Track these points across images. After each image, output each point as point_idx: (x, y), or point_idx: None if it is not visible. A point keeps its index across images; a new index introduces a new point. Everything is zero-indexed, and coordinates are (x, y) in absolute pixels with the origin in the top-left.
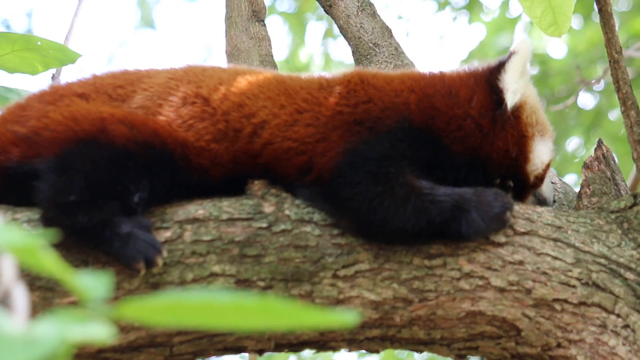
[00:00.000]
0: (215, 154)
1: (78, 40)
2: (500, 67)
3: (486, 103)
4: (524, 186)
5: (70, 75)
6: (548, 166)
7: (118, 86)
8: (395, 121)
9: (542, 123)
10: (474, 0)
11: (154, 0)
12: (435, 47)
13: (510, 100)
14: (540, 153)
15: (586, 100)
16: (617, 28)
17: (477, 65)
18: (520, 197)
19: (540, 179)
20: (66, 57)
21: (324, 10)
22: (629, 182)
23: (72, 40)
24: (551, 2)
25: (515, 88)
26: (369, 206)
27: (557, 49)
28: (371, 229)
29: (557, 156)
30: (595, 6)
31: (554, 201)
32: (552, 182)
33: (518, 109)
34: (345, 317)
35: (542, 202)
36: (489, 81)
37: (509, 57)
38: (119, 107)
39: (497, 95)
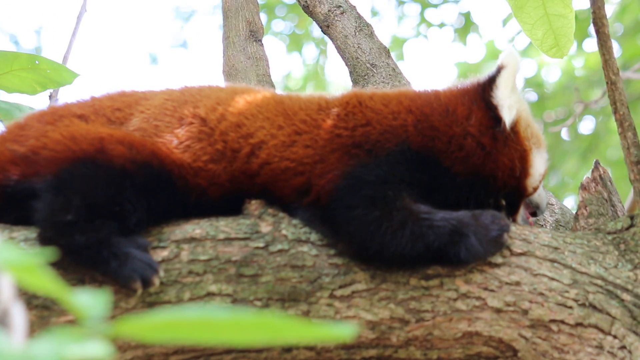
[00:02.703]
0: (213, 174)
1: (95, 59)
2: (490, 82)
3: (485, 121)
4: (519, 200)
5: (70, 94)
6: (544, 176)
7: (116, 109)
8: (394, 144)
9: (536, 135)
10: (469, 22)
11: (185, 18)
12: (431, 68)
13: (507, 116)
14: (538, 165)
15: (584, 125)
16: (614, 50)
17: (468, 82)
18: (513, 211)
19: (535, 189)
20: (62, 77)
21: (322, 31)
22: (626, 204)
23: (73, 60)
24: (552, 25)
25: (510, 103)
26: (366, 230)
27: (552, 72)
28: (368, 253)
29: (555, 179)
30: (592, 29)
31: (547, 204)
32: (550, 204)
33: (515, 124)
34: (341, 331)
35: (535, 208)
36: (482, 98)
37: (498, 71)
38: (118, 129)
39: (493, 112)
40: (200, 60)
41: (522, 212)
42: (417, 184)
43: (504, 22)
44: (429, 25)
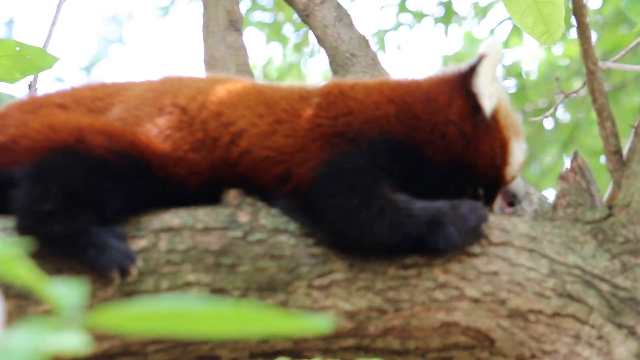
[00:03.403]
0: (193, 164)
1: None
2: (471, 71)
3: (465, 109)
4: (497, 189)
5: (47, 84)
6: (522, 166)
7: (96, 98)
8: (377, 133)
9: (515, 124)
10: (450, 11)
11: (125, 16)
12: (412, 57)
13: (488, 104)
14: (517, 154)
15: (564, 115)
16: (593, 40)
17: (449, 70)
18: (490, 200)
19: (513, 178)
20: (44, 61)
21: (302, 20)
22: (606, 194)
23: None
24: (542, 12)
25: (490, 92)
26: (345, 219)
27: (532, 62)
28: (347, 242)
29: (535, 169)
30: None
31: (526, 194)
32: (528, 194)
33: (495, 112)
34: (319, 323)
35: (512, 197)
36: (463, 86)
37: (479, 60)
38: (98, 119)
39: (473, 101)
40: (179, 51)
41: (498, 201)
42: (398, 173)
43: (485, 12)
44: (414, 15)
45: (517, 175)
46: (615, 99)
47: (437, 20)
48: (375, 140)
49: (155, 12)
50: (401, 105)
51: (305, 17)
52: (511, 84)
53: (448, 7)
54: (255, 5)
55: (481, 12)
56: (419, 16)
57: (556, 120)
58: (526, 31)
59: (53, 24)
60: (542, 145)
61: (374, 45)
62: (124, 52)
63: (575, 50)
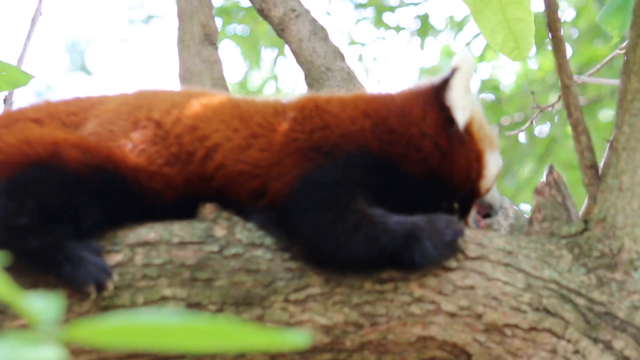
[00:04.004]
0: (168, 178)
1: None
2: (444, 84)
3: (439, 122)
4: (471, 202)
5: (25, 98)
6: (497, 178)
7: (71, 113)
8: (354, 147)
9: (489, 136)
10: (426, 24)
11: (85, 43)
12: (387, 71)
13: (461, 117)
14: (492, 167)
15: (541, 129)
16: (568, 54)
17: (422, 83)
18: (464, 212)
19: (488, 191)
20: (18, 79)
21: (277, 34)
22: (582, 209)
23: (27, 64)
24: (512, 29)
25: (463, 104)
26: (321, 233)
27: (508, 76)
28: (323, 256)
29: (511, 183)
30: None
31: (501, 207)
32: (504, 207)
33: (469, 125)
34: (296, 338)
35: (488, 208)
36: (436, 99)
37: (452, 73)
38: (73, 133)
39: (446, 113)
40: (154, 64)
41: (473, 213)
42: (374, 187)
43: (461, 26)
44: (387, 27)
45: (493, 187)
46: (591, 113)
47: (413, 33)
48: (352, 154)
49: (120, 35)
50: (376, 119)
51: (280, 31)
52: (487, 98)
53: (424, 20)
54: (230, 20)
55: (457, 26)
56: (395, 29)
57: (532, 134)
58: (496, 48)
59: (28, 38)
60: (518, 158)
61: (349, 59)
62: (85, 81)
63: (551, 63)
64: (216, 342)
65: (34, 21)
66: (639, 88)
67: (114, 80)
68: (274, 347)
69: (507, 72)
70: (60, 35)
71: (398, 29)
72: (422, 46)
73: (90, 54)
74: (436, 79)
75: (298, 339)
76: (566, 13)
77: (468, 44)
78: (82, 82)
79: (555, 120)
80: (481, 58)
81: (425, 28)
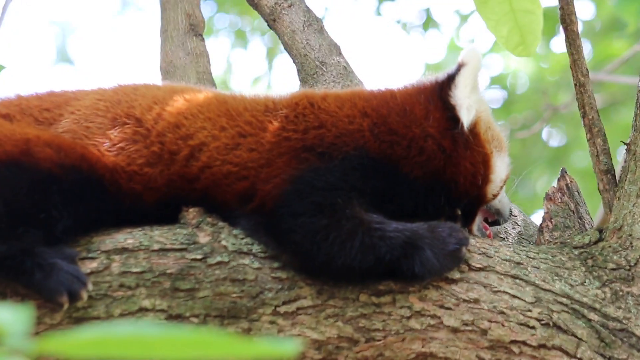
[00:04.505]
0: (148, 179)
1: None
2: (449, 81)
3: (443, 121)
4: (477, 208)
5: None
6: (505, 182)
7: (44, 109)
8: (351, 148)
9: (497, 138)
10: (429, 19)
11: (68, 32)
12: (388, 66)
13: (466, 117)
14: (499, 170)
15: (553, 134)
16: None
17: (425, 80)
18: (469, 220)
19: (495, 196)
20: None
21: (268, 25)
22: (596, 217)
23: None
24: (518, 21)
25: (469, 103)
26: (313, 240)
27: (519, 73)
28: (315, 265)
29: (520, 190)
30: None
31: (511, 213)
32: (512, 215)
33: (475, 125)
34: (283, 348)
35: (496, 215)
36: (440, 97)
37: (458, 69)
38: (46, 130)
39: (451, 113)
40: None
41: (478, 221)
42: (371, 191)
43: (465, 19)
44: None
45: (500, 192)
46: (607, 115)
47: (415, 27)
48: (349, 155)
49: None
50: (376, 118)
51: (272, 22)
52: (497, 96)
53: (427, 15)
54: (219, 8)
55: (463, 20)
56: (398, 24)
57: (543, 140)
58: (500, 42)
59: None
60: (528, 163)
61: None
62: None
63: (565, 61)
64: (199, 354)
65: (4, 8)
66: None
67: (99, 71)
68: (260, 358)
69: (519, 70)
70: (43, 25)
71: (401, 23)
72: (425, 39)
73: (74, 43)
74: (440, 75)
75: (286, 349)
76: (582, 7)
77: (472, 40)
78: (65, 73)
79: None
80: (490, 53)
81: (427, 22)
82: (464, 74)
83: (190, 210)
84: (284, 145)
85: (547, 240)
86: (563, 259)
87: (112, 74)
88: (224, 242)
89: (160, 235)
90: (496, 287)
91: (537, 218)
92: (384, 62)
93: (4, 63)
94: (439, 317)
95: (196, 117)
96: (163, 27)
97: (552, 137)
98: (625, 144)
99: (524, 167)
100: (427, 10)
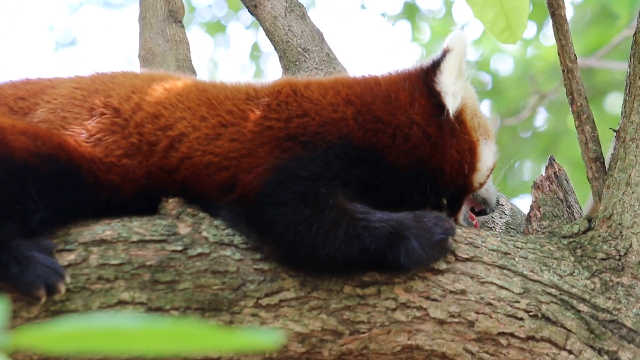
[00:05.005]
0: (127, 170)
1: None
2: (434, 67)
3: (428, 108)
4: (463, 197)
5: None
6: (492, 170)
7: (20, 98)
8: (336, 137)
9: (484, 125)
10: (413, 8)
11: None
12: (372, 54)
13: (452, 104)
14: (486, 158)
15: (542, 119)
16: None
17: (410, 66)
18: (455, 209)
19: (482, 185)
20: None
21: (249, 11)
22: (586, 206)
23: None
24: (504, 6)
25: (455, 90)
26: (296, 230)
27: (506, 60)
28: (298, 256)
29: (509, 178)
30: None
31: (498, 202)
32: (500, 204)
33: (461, 113)
34: (265, 339)
35: (483, 204)
36: (425, 84)
37: (443, 55)
38: (21, 120)
39: (436, 99)
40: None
41: (464, 210)
42: (355, 181)
43: (449, 6)
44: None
45: (487, 181)
46: (596, 103)
47: (399, 16)
48: (332, 144)
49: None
50: (360, 106)
51: (253, 8)
52: (484, 83)
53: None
54: None
55: (447, 7)
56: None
57: (531, 125)
58: (485, 27)
59: None
60: (516, 152)
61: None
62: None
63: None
64: (179, 345)
65: None
66: None
67: (101, 52)
68: (241, 350)
69: (506, 57)
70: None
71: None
72: (412, 30)
73: (76, 24)
74: (425, 61)
75: (268, 341)
76: None
77: (463, 26)
78: (68, 57)
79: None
80: (478, 41)
81: (413, 10)
82: (449, 59)
83: (170, 200)
84: (266, 135)
85: (535, 229)
86: (552, 248)
87: (91, 62)
88: (204, 233)
89: (139, 227)
90: (483, 278)
91: (523, 204)
92: (368, 52)
93: None
94: (425, 309)
95: (176, 106)
96: (142, 13)
97: (547, 122)
98: (614, 131)
99: (512, 155)
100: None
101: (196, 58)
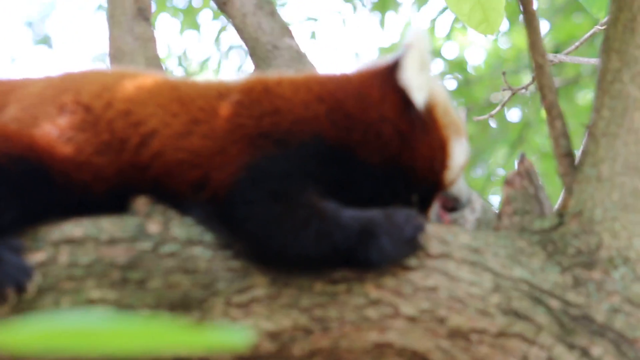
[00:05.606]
0: (98, 168)
1: None
2: (397, 64)
3: (398, 105)
4: (433, 194)
5: None
6: (463, 168)
7: None
8: (307, 136)
9: (455, 122)
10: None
11: (44, 15)
12: (343, 49)
13: (418, 98)
14: (458, 156)
15: (512, 113)
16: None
17: (376, 63)
18: (425, 206)
19: (453, 182)
20: None
21: (218, 8)
22: (559, 202)
23: None
24: None
25: (419, 83)
26: (267, 228)
27: (477, 54)
28: (268, 254)
29: (480, 172)
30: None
31: (469, 199)
32: (471, 201)
33: (432, 109)
34: (236, 337)
35: (454, 201)
36: (392, 80)
37: (405, 51)
38: None
39: (404, 95)
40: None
41: (435, 207)
42: (327, 178)
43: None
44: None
45: (458, 178)
46: (568, 96)
47: (373, 7)
48: (304, 142)
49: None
50: (332, 103)
51: (222, 5)
52: (455, 79)
53: None
54: None
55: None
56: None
57: (503, 119)
58: (462, 19)
59: None
60: (488, 145)
61: (299, 35)
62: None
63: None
64: (149, 344)
65: None
66: (620, 67)
67: (78, 53)
68: (212, 347)
69: (477, 50)
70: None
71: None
72: (382, 23)
73: (52, 25)
74: (389, 58)
75: (239, 338)
76: None
77: (434, 19)
78: (44, 56)
79: (529, 104)
80: (449, 35)
81: (385, 2)
82: (410, 54)
83: (140, 199)
84: (238, 132)
85: (506, 226)
86: (522, 244)
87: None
88: (175, 232)
89: (109, 225)
90: (454, 274)
91: (494, 200)
92: (340, 46)
93: None
94: (396, 306)
95: (147, 103)
96: (110, 11)
97: (512, 118)
98: (586, 126)
99: (484, 149)
100: None
101: (166, 47)
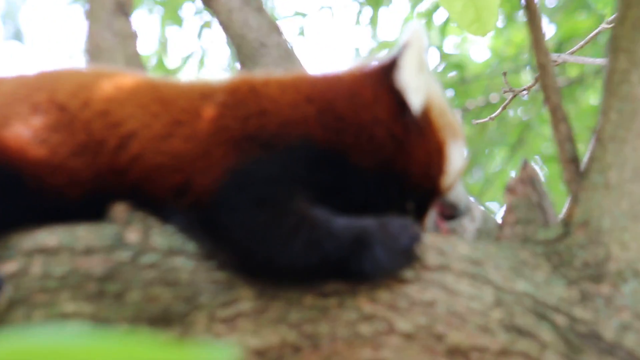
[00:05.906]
0: (73, 171)
1: None
2: (393, 64)
3: (392, 107)
4: (429, 202)
5: None
6: (461, 173)
7: None
8: (295, 138)
9: (451, 124)
10: None
11: (16, 8)
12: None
13: (415, 100)
14: (455, 160)
15: (513, 113)
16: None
17: (371, 63)
18: (421, 214)
19: (451, 188)
20: None
21: (203, 3)
22: (562, 211)
23: None
24: None
25: (417, 85)
26: (253, 237)
27: (479, 52)
28: (255, 264)
29: (478, 177)
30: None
31: (468, 206)
32: (470, 209)
33: (427, 111)
34: (220, 354)
35: (452, 209)
36: (386, 81)
37: (402, 51)
38: None
39: (399, 97)
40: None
41: (432, 216)
42: (317, 184)
43: None
44: None
45: (456, 183)
46: (574, 96)
47: (365, 3)
48: (292, 146)
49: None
50: (322, 104)
51: (208, 1)
52: (452, 78)
53: None
54: None
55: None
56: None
57: (503, 120)
58: (454, 18)
59: None
60: (486, 148)
61: (287, 32)
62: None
63: (525, 38)
64: None
65: None
66: (629, 68)
67: (51, 50)
68: None
69: (475, 48)
70: None
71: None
72: (374, 20)
73: (25, 20)
74: (385, 58)
75: (223, 355)
76: None
77: (430, 15)
78: (16, 51)
79: (531, 105)
80: (444, 32)
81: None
82: (408, 54)
83: (119, 205)
84: (222, 135)
85: (509, 236)
86: (526, 256)
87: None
88: (155, 241)
89: (85, 234)
90: (453, 288)
91: (494, 208)
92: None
93: None
94: (391, 321)
95: (125, 103)
96: (89, 7)
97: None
98: (593, 130)
99: (482, 151)
100: None
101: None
